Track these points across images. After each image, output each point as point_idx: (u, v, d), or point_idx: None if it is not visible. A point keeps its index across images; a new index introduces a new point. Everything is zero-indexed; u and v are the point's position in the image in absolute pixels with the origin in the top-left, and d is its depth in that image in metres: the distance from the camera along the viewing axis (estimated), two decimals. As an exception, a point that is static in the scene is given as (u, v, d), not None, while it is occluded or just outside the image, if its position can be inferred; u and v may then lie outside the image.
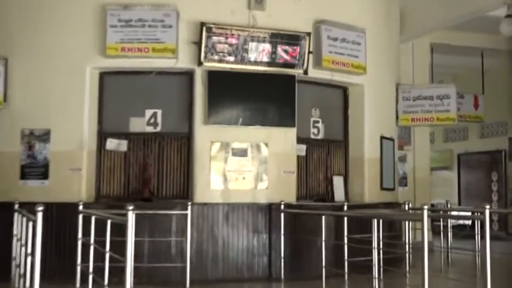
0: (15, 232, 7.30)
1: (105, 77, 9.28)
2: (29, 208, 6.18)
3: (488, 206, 6.91)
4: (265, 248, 8.98)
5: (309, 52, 9.43)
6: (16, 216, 7.35)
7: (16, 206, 7.79)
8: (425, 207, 6.51)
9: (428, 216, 6.56)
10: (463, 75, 16.15)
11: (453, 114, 12.16)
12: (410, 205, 10.34)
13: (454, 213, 13.70)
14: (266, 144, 9.30)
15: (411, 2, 11.79)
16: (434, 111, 12.06)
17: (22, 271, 6.16)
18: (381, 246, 7.20)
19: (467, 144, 18.25)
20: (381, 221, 7.40)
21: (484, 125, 16.39)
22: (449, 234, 10.99)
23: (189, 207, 8.25)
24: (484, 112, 14.61)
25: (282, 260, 8.84)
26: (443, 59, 14.49)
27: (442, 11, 11.55)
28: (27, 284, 5.48)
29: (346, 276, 8.09)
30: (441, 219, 11.20)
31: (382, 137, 10.83)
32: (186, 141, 9.24)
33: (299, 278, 8.71)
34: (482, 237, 7.34)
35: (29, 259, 5.50)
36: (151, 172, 9.13)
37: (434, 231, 11.58)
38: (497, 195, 17.05)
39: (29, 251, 5.56)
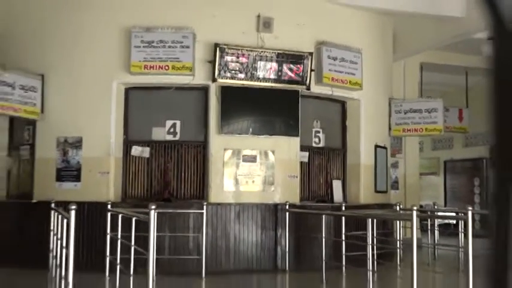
0: (52, 227, 7.35)
1: (130, 91, 9.33)
2: (63, 207, 6.26)
3: (470, 208, 6.96)
4: (272, 243, 9.00)
5: (311, 70, 9.45)
6: (53, 214, 7.40)
7: (53, 205, 7.82)
8: (415, 208, 6.55)
9: (417, 216, 6.60)
10: (449, 91, 16.13)
11: (440, 126, 12.13)
12: (401, 206, 10.36)
13: (440, 213, 13.67)
14: (273, 152, 9.33)
15: (403, 26, 11.80)
16: (423, 123, 12.04)
17: (58, 261, 6.22)
18: (375, 243, 7.22)
19: (452, 153, 18.20)
20: (375, 220, 7.43)
21: (467, 135, 16.35)
22: (436, 232, 11.00)
23: (205, 207, 8.30)
24: (468, 124, 14.61)
25: (287, 254, 8.86)
26: (431, 77, 14.48)
27: (431, 33, 11.57)
28: (63, 272, 5.54)
29: (343, 268, 8.14)
30: (429, 219, 11.19)
31: (376, 146, 10.84)
32: (201, 148, 9.27)
33: (302, 269, 8.73)
34: (465, 235, 7.37)
35: (64, 251, 5.56)
36: (171, 176, 9.16)
37: (423, 229, 11.57)
38: (479, 198, 16.98)
39: (64, 244, 5.62)
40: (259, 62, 9.12)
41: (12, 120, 9.93)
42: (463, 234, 9.72)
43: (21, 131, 9.90)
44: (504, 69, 0.58)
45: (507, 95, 0.57)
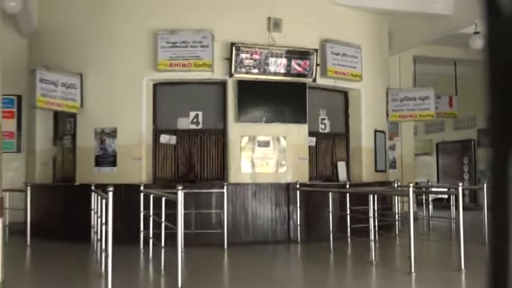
0: (92, 207, 7.42)
1: (157, 87, 9.34)
2: (102, 189, 6.29)
3: (461, 184, 6.93)
4: (285, 217, 9.01)
5: (317, 64, 9.41)
6: (93, 195, 7.45)
7: (93, 187, 7.89)
8: (411, 185, 6.54)
9: (413, 192, 6.57)
10: (440, 81, 15.96)
11: (432, 112, 12.04)
12: (398, 183, 10.30)
13: (434, 189, 13.60)
14: (284, 137, 9.31)
15: (397, 24, 11.69)
16: (417, 110, 11.95)
17: (99, 236, 6.28)
18: (376, 216, 7.20)
19: (443, 135, 18.06)
20: (375, 196, 7.41)
21: (457, 119, 16.21)
22: (430, 206, 10.95)
23: (225, 187, 8.32)
24: (457, 109, 14.47)
25: (298, 227, 8.87)
26: (423, 68, 14.34)
27: (423, 30, 11.45)
28: (103, 245, 5.59)
29: (348, 239, 8.14)
30: (423, 194, 11.14)
31: (375, 130, 10.78)
32: (221, 135, 9.27)
33: (311, 240, 8.73)
34: (457, 208, 7.33)
35: (103, 227, 5.61)
36: (195, 160, 9.19)
37: (418, 203, 11.51)
38: (468, 175, 16.87)
39: (103, 221, 5.67)
40: (270, 59, 9.08)
41: (56, 114, 10.00)
42: (454, 207, 9.67)
43: (64, 123, 9.97)
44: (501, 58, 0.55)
45: (504, 80, 0.55)
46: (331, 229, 7.88)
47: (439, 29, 10.98)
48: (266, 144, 9.19)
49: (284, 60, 9.17)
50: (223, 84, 9.21)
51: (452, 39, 11.90)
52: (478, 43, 10.78)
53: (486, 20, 0.57)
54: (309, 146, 9.72)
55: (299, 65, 9.27)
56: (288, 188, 9.05)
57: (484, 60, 0.57)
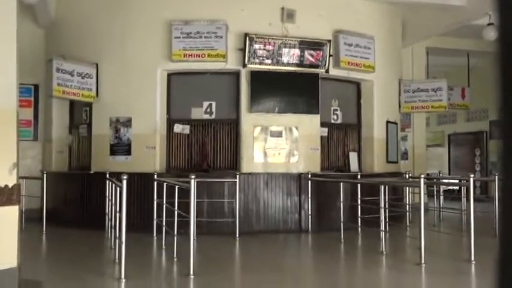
0: (107, 194, 7.47)
1: (171, 77, 9.34)
2: (116, 177, 6.34)
3: (472, 175, 6.86)
4: (296, 207, 9.01)
5: (330, 55, 9.35)
6: (107, 183, 7.50)
7: (107, 175, 7.95)
8: (422, 176, 6.50)
9: (424, 183, 6.54)
10: (452, 72, 15.81)
11: (444, 103, 11.95)
12: (410, 174, 10.25)
13: (445, 180, 13.51)
14: (296, 128, 9.29)
15: (410, 15, 11.58)
16: (429, 101, 11.86)
17: (113, 223, 6.33)
18: (387, 206, 7.17)
19: (455, 127, 17.91)
20: (386, 186, 7.37)
21: (469, 111, 16.04)
22: (441, 197, 10.89)
23: (238, 176, 8.32)
24: (470, 101, 14.31)
25: (309, 217, 8.86)
26: (436, 60, 14.20)
27: (436, 21, 11.33)
28: (117, 232, 5.64)
29: (359, 229, 8.13)
30: (434, 186, 11.07)
31: (387, 122, 10.72)
32: (234, 125, 9.27)
33: (322, 230, 8.72)
34: (467, 199, 7.28)
35: (117, 214, 5.65)
36: (208, 149, 9.20)
37: (429, 194, 11.45)
38: (480, 167, 16.74)
39: (118, 208, 5.70)
40: (283, 49, 9.05)
41: (72, 103, 10.06)
42: (465, 198, 9.60)
43: (80, 112, 10.03)
44: None
45: None
46: (342, 219, 7.88)
47: (453, 20, 10.87)
48: (278, 134, 9.17)
49: (297, 51, 9.13)
50: (236, 75, 9.19)
51: (465, 31, 11.76)
52: (492, 34, 10.64)
53: (499, 12, 0.56)
54: (321, 137, 9.69)
55: (312, 55, 9.23)
56: (299, 178, 9.04)
57: (496, 52, 0.56)
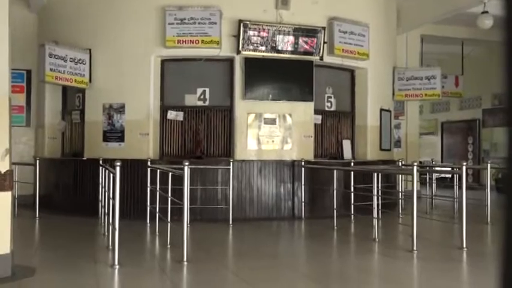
0: (100, 181, 7.45)
1: (165, 63, 9.29)
2: (110, 163, 6.32)
3: (464, 163, 6.88)
4: (289, 194, 9.03)
5: (324, 42, 9.32)
6: (101, 169, 7.48)
7: (100, 162, 7.92)
8: (415, 163, 6.51)
9: (417, 170, 6.54)
10: (446, 60, 15.81)
11: (438, 91, 11.97)
12: (403, 162, 10.27)
13: (438, 168, 13.57)
14: (290, 115, 9.28)
15: (406, 2, 11.55)
16: (423, 89, 11.88)
17: (106, 210, 6.31)
18: (380, 194, 7.19)
19: (449, 115, 17.96)
20: (379, 174, 7.38)
21: (462, 99, 16.09)
22: (434, 185, 10.94)
23: (231, 163, 8.31)
24: (463, 89, 14.35)
25: (303, 204, 8.90)
26: (431, 47, 14.19)
27: (430, 9, 11.31)
28: (110, 219, 5.63)
29: (352, 216, 8.16)
30: (427, 173, 11.11)
31: (381, 109, 10.72)
32: (228, 112, 9.25)
33: (315, 217, 8.75)
34: (460, 187, 7.31)
35: (111, 201, 5.63)
36: (201, 136, 9.18)
37: (422, 182, 11.50)
38: (472, 155, 16.82)
39: (111, 195, 5.69)
40: (278, 36, 9.01)
41: (65, 89, 9.99)
42: (457, 186, 9.65)
43: (73, 98, 9.97)
44: None
45: None
46: (335, 206, 7.89)
47: (447, 8, 10.84)
48: (272, 121, 9.16)
49: (291, 38, 9.09)
50: (230, 62, 9.15)
51: (460, 19, 11.76)
52: (486, 23, 10.63)
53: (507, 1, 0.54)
54: (315, 124, 9.69)
55: (306, 42, 9.19)
56: (293, 165, 9.05)
57: (501, 39, 0.54)
